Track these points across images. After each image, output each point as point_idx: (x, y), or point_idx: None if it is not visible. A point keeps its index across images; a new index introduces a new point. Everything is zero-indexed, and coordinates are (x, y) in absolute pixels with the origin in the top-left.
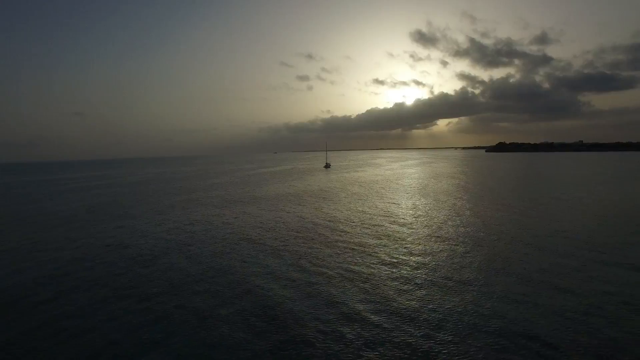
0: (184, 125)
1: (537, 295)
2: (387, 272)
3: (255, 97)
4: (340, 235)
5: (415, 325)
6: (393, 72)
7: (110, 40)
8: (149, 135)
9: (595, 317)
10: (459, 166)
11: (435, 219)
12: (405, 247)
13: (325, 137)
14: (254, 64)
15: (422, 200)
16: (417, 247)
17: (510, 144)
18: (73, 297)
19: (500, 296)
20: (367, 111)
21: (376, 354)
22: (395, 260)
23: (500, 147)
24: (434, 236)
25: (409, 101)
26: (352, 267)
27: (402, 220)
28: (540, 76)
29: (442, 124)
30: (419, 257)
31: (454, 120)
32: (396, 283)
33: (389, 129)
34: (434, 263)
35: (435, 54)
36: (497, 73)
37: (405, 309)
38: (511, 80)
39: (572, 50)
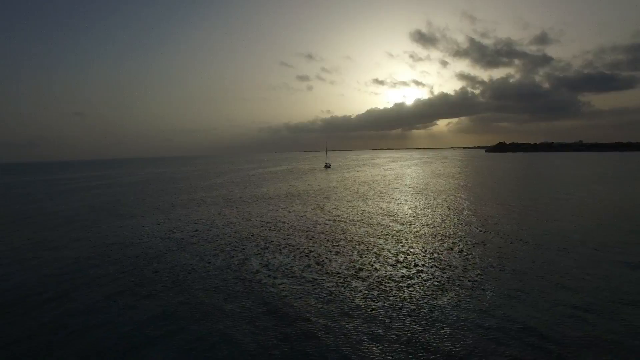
0: (184, 125)
1: (535, 291)
2: (387, 269)
3: (255, 97)
4: (341, 234)
5: (414, 319)
6: (393, 72)
7: (110, 40)
8: (149, 135)
9: (591, 312)
10: (459, 166)
11: (435, 218)
12: (405, 245)
13: (325, 137)
14: (254, 64)
15: (422, 199)
16: (417, 245)
17: (510, 144)
18: (79, 295)
19: (499, 292)
20: (367, 111)
21: (377, 347)
22: (395, 257)
23: (500, 147)
24: (434, 234)
25: (409, 101)
26: (353, 264)
27: (402, 218)
28: (540, 76)
29: (442, 124)
30: (418, 255)
31: (454, 120)
32: (396, 279)
33: (389, 129)
34: (433, 260)
35: (435, 54)
36: (497, 73)
37: (405, 304)
38: (511, 80)
39: (572, 50)
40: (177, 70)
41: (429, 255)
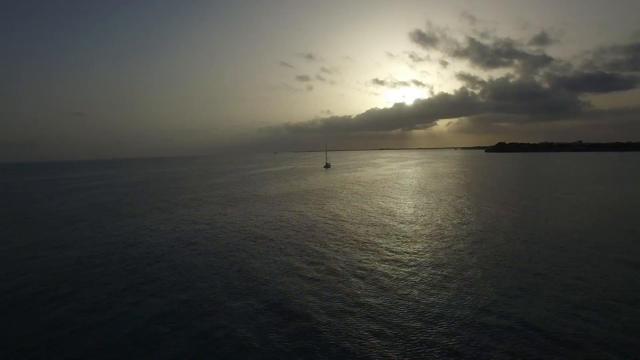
0: (184, 125)
1: (532, 288)
2: (387, 267)
3: (255, 97)
4: (341, 232)
5: (414, 316)
6: (393, 72)
7: (110, 40)
8: (149, 135)
9: (586, 309)
10: (459, 166)
11: (434, 217)
12: (405, 244)
13: (325, 137)
14: (254, 64)
15: (422, 198)
16: (416, 244)
17: (509, 144)
18: (83, 293)
19: (497, 290)
20: (367, 111)
21: (378, 342)
22: (395, 256)
23: (500, 147)
24: (433, 233)
25: (409, 101)
26: (353, 262)
27: (401, 217)
28: (540, 76)
29: (442, 124)
30: (418, 253)
31: (454, 120)
32: (396, 277)
33: (388, 129)
34: (432, 258)
35: (435, 54)
36: (497, 73)
37: (405, 301)
38: (511, 80)
39: (571, 50)
40: (177, 70)
41: (429, 254)
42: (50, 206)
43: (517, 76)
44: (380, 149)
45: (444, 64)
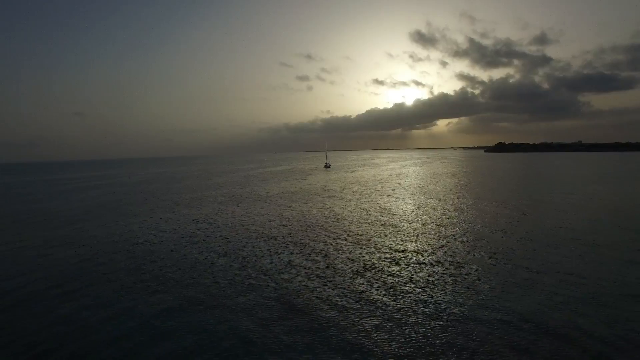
0: (184, 125)
1: (528, 283)
2: (387, 265)
3: (255, 97)
4: (342, 231)
5: (414, 310)
6: (393, 73)
7: (110, 40)
8: (149, 135)
9: (578, 304)
10: (458, 166)
11: (434, 216)
12: (405, 242)
13: (325, 137)
14: (253, 64)
15: (421, 198)
16: (416, 241)
17: (509, 144)
18: (89, 290)
19: (494, 287)
20: (367, 111)
21: (380, 337)
22: (395, 254)
23: (500, 147)
24: (433, 232)
25: (409, 101)
26: (354, 259)
27: (401, 216)
28: (539, 76)
29: (442, 124)
30: (418, 251)
31: (454, 120)
32: (397, 274)
33: (388, 129)
34: (432, 256)
35: (435, 54)
36: (497, 73)
37: (405, 297)
38: (511, 80)
39: (571, 50)
40: (177, 70)
41: (428, 251)
42: (53, 206)
43: (517, 76)
44: (380, 149)
45: (444, 64)
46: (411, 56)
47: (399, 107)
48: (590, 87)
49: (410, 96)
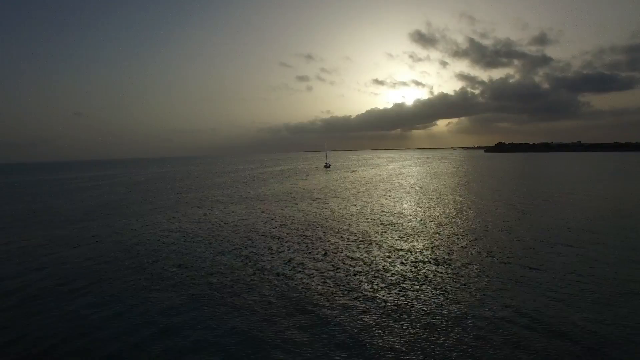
0: (184, 125)
1: (526, 281)
2: (387, 262)
3: (255, 97)
4: (343, 229)
5: (414, 307)
6: (392, 73)
7: (110, 40)
8: (149, 135)
9: (574, 301)
10: (457, 166)
11: (432, 215)
12: (405, 240)
13: (325, 137)
14: (253, 64)
15: (420, 197)
16: (416, 239)
17: (509, 144)
18: (96, 288)
19: (492, 284)
20: (367, 111)
21: (381, 332)
22: (396, 251)
23: (499, 148)
24: (432, 230)
25: (409, 101)
26: (355, 257)
27: (401, 215)
28: (539, 77)
29: (442, 124)
30: (418, 248)
31: (454, 120)
32: (397, 272)
33: (388, 129)
34: (432, 253)
35: (435, 54)
36: (497, 73)
37: (406, 293)
38: (510, 80)
39: (571, 50)
40: (177, 70)
41: (428, 250)
42: (55, 205)
43: (517, 76)
44: (380, 149)
45: (444, 64)
46: (411, 56)
47: (399, 107)
48: (590, 87)
49: (410, 96)
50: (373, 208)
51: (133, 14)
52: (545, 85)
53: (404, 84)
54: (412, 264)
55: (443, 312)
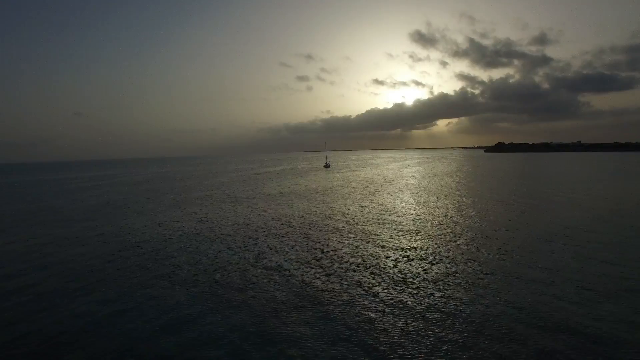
0: (184, 125)
1: (523, 281)
2: (387, 260)
3: (255, 97)
4: (344, 227)
5: (413, 303)
6: (392, 73)
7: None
8: (149, 135)
9: (575, 300)
10: (457, 166)
11: (432, 214)
12: (405, 239)
13: (325, 137)
14: (253, 64)
15: (420, 196)
16: (416, 237)
17: (508, 144)
18: (102, 286)
19: (489, 283)
20: (367, 111)
21: (382, 327)
22: (396, 249)
23: (499, 147)
24: (432, 228)
25: (409, 101)
26: (357, 254)
27: (400, 214)
28: (539, 77)
29: (442, 124)
30: (417, 246)
31: (454, 120)
32: (398, 268)
33: (388, 129)
34: (431, 251)
35: (435, 54)
36: (497, 73)
37: (406, 291)
38: (510, 80)
39: (571, 50)
40: (177, 70)
41: (427, 248)
42: (58, 205)
43: (517, 76)
44: (380, 149)
45: (444, 64)
46: (411, 56)
47: (399, 107)
48: (590, 87)
49: (410, 96)
50: (373, 207)
51: (133, 14)
52: (545, 85)
53: (404, 84)
54: (411, 261)
55: (442, 307)
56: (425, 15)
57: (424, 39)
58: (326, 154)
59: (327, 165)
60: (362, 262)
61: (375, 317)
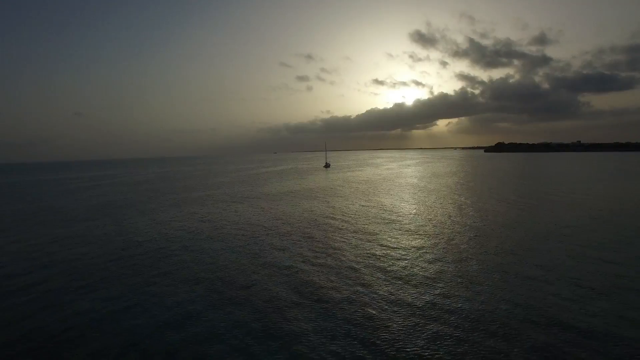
0: (184, 125)
1: (527, 280)
2: (387, 259)
3: (255, 97)
4: (344, 226)
5: (412, 300)
6: (392, 73)
7: (110, 40)
8: (149, 135)
9: (573, 299)
10: (457, 166)
11: (432, 213)
12: (404, 236)
13: (325, 137)
14: (253, 64)
15: (420, 196)
16: (415, 236)
17: (508, 144)
18: (105, 284)
19: (487, 281)
20: (367, 111)
21: (382, 324)
22: (396, 248)
23: (499, 147)
24: (431, 227)
25: (409, 101)
26: (359, 253)
27: (400, 213)
28: (539, 77)
29: (442, 124)
30: (417, 245)
31: (454, 120)
32: (396, 268)
33: (388, 129)
34: (431, 250)
35: (435, 54)
36: (497, 73)
37: (405, 290)
38: (510, 80)
39: (571, 50)
40: (177, 70)
41: (427, 247)
42: (60, 204)
43: (517, 76)
44: (380, 149)
45: (444, 64)
46: (411, 56)
47: (399, 107)
48: (590, 87)
49: (410, 96)
50: (373, 206)
51: (133, 14)
52: (545, 85)
53: (404, 84)
54: (410, 260)
55: (439, 303)
56: (425, 15)
57: (424, 39)
58: (326, 154)
59: (327, 165)
60: (361, 260)
61: (374, 313)
